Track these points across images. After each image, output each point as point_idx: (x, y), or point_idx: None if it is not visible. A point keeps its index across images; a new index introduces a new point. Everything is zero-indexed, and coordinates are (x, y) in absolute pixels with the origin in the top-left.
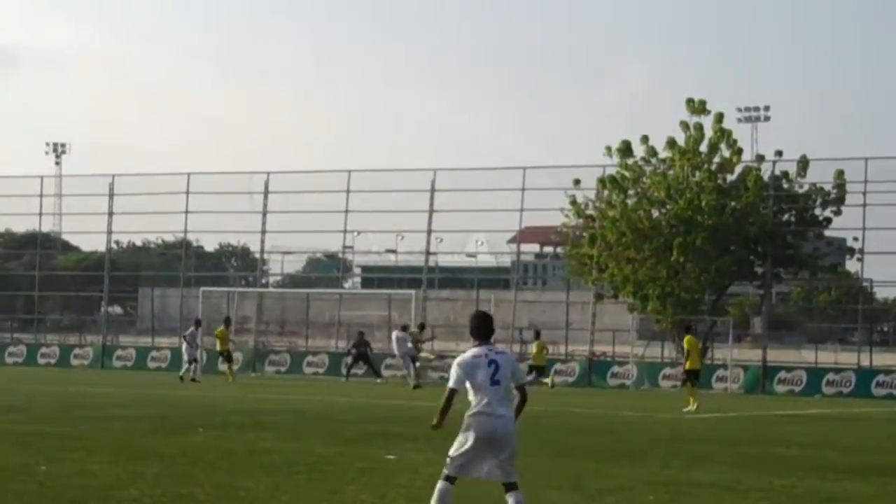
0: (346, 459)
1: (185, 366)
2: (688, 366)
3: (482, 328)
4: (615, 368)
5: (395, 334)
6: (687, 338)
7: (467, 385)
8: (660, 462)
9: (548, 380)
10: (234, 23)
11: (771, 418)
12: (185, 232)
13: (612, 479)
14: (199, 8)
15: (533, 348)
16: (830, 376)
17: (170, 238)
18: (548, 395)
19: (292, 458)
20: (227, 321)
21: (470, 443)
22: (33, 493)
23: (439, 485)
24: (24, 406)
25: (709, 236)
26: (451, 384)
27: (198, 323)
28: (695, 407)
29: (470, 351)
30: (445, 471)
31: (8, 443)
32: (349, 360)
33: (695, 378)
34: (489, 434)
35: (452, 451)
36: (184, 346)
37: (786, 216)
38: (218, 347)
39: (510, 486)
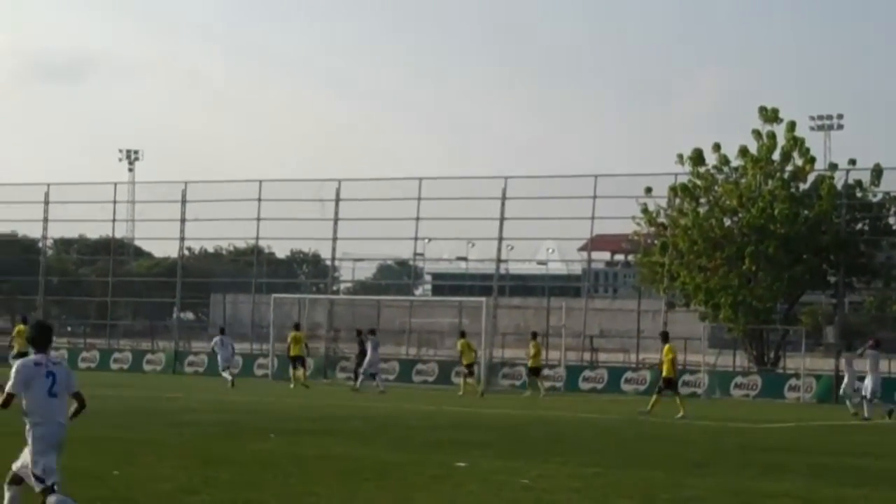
0: (416, 467)
1: (227, 374)
2: (665, 374)
3: (41, 338)
4: (686, 377)
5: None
6: (667, 346)
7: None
8: (732, 472)
9: (542, 387)
10: (308, 31)
11: (844, 428)
12: (257, 238)
13: (685, 490)
14: (273, 16)
15: (530, 350)
16: None
17: (241, 245)
18: (605, 403)
19: (362, 464)
20: (297, 327)
21: (49, 452)
22: (106, 497)
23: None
24: (96, 410)
25: (781, 245)
26: (9, 388)
27: (222, 330)
28: (682, 413)
29: (31, 358)
30: (42, 484)
31: (81, 448)
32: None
33: (673, 387)
34: (60, 442)
35: (35, 462)
36: (219, 354)
37: (859, 225)
38: (291, 353)
39: (51, 490)
